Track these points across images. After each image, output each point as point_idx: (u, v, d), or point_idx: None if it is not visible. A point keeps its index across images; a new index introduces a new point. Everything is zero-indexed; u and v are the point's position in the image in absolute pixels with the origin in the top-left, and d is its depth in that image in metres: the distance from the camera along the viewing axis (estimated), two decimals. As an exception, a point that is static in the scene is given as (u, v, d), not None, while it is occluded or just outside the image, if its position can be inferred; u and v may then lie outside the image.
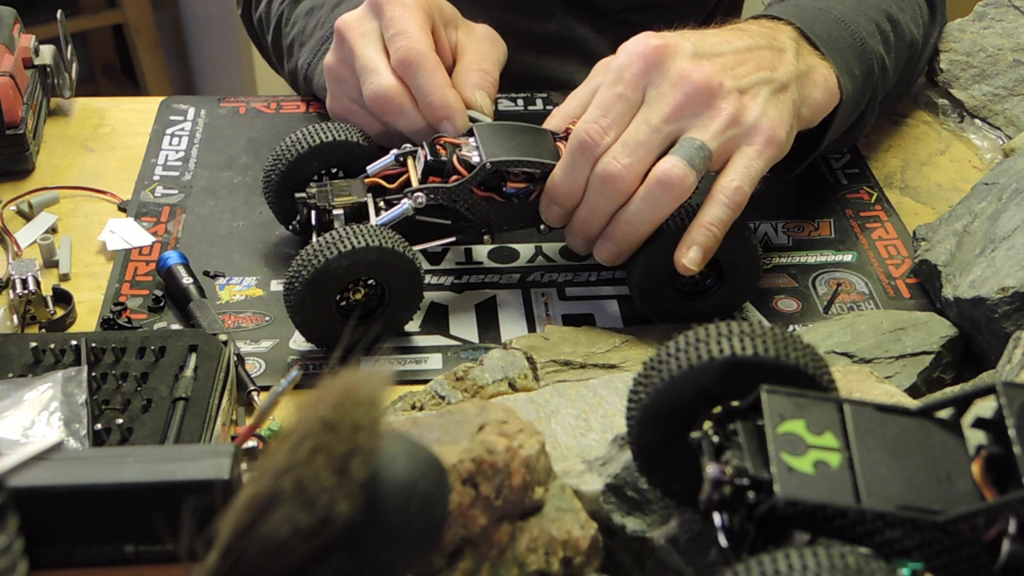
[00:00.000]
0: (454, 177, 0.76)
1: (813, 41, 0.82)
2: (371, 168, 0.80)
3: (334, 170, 0.82)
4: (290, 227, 0.82)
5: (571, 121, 0.78)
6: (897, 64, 0.91)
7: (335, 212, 0.77)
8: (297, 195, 0.79)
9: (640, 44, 0.75)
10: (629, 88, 0.74)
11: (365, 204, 0.77)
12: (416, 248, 0.75)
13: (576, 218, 0.75)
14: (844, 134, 0.90)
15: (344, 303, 0.73)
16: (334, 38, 0.87)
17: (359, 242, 0.71)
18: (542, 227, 0.78)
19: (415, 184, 0.77)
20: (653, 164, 0.73)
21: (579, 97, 0.80)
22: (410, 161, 0.79)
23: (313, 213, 0.78)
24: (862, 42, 0.85)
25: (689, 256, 0.72)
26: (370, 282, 0.73)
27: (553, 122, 0.81)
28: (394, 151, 0.80)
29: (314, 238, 0.74)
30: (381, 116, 0.84)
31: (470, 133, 0.78)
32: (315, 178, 0.81)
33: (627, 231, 0.74)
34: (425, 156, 0.77)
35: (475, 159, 0.76)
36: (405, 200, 0.75)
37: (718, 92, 0.73)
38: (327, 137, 0.81)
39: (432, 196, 0.75)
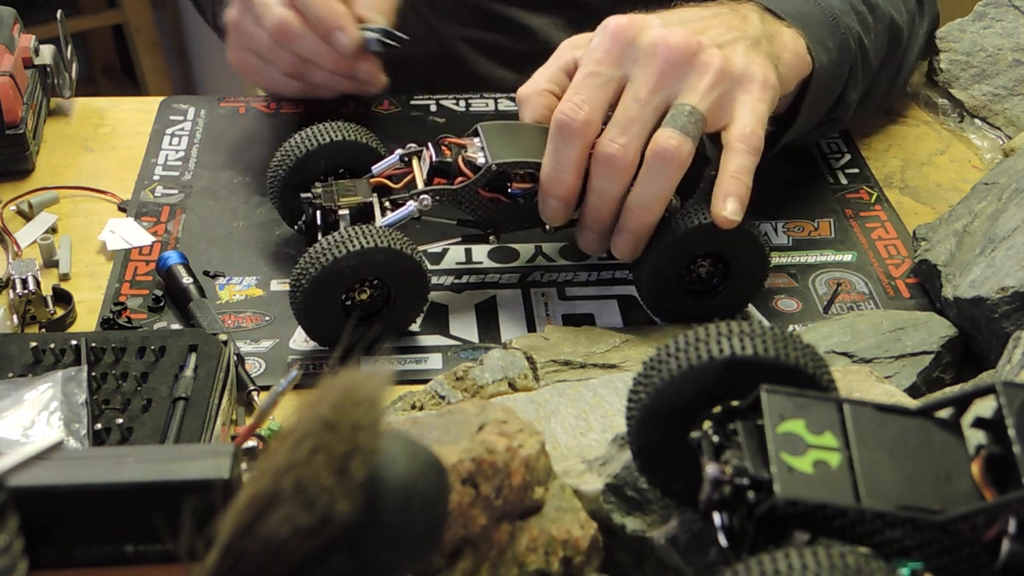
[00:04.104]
0: (459, 179, 0.76)
1: (778, 15, 0.82)
2: (376, 168, 0.80)
3: (340, 170, 0.82)
4: (295, 227, 0.82)
5: (541, 94, 0.78)
6: (878, 46, 0.91)
7: (340, 212, 0.77)
8: (303, 195, 0.79)
9: (608, 24, 0.75)
10: (601, 65, 0.74)
11: (370, 204, 0.77)
12: (420, 248, 0.75)
13: (586, 209, 0.75)
14: (828, 116, 0.89)
15: (349, 303, 0.73)
16: None
17: (368, 242, 0.71)
18: (547, 227, 0.78)
19: (420, 184, 0.77)
20: (651, 137, 0.72)
21: (544, 73, 0.80)
22: (415, 161, 0.79)
23: (318, 213, 0.78)
24: (834, 17, 0.85)
25: (728, 208, 0.71)
26: (376, 283, 0.73)
27: (524, 96, 0.80)
28: (399, 151, 0.80)
29: (319, 238, 0.74)
30: (285, 46, 0.89)
31: (475, 133, 0.78)
32: (321, 178, 0.81)
33: (640, 214, 0.73)
34: (430, 157, 0.77)
35: (480, 160, 0.76)
36: (411, 202, 0.75)
37: (698, 50, 0.73)
38: (333, 137, 0.81)
39: (438, 198, 0.75)
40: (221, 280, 0.82)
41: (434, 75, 1.09)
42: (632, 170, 0.73)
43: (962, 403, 0.49)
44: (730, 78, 0.74)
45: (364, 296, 0.73)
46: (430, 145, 0.78)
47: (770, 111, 0.75)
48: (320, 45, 0.88)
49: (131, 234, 0.85)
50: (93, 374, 0.66)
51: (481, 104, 1.03)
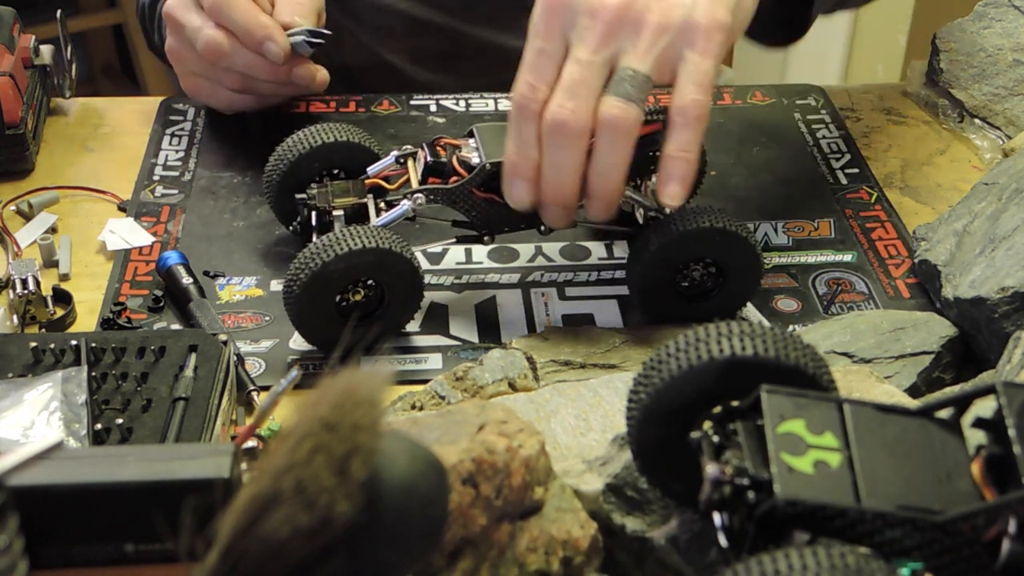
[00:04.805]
0: (454, 178, 0.76)
1: None
2: (371, 169, 0.80)
3: (335, 171, 0.82)
4: (291, 228, 0.82)
5: None
6: None
7: (335, 213, 0.77)
8: (297, 196, 0.79)
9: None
10: (544, 41, 0.72)
11: (365, 205, 0.77)
12: (419, 249, 0.75)
13: (544, 184, 0.72)
14: None
15: (344, 304, 0.73)
16: (167, 25, 0.92)
17: (356, 244, 0.70)
18: (543, 228, 0.77)
19: (415, 184, 0.77)
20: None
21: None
22: (410, 162, 0.79)
23: (313, 214, 0.78)
24: None
25: (669, 192, 0.70)
26: (369, 283, 0.73)
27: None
28: (394, 152, 0.80)
29: (314, 239, 0.74)
30: (219, 64, 0.90)
31: (470, 134, 0.78)
32: (316, 179, 0.81)
33: (605, 183, 0.72)
34: (425, 157, 0.77)
35: (475, 160, 0.76)
36: (405, 201, 0.75)
37: (632, 5, 0.71)
38: (328, 138, 0.81)
39: (432, 197, 0.75)
40: (221, 280, 0.82)
41: (375, 85, 1.09)
42: (586, 135, 0.70)
43: (962, 403, 0.49)
44: (672, 30, 0.71)
45: (358, 297, 0.73)
46: (425, 146, 0.78)
47: (721, 56, 0.72)
48: (253, 58, 0.89)
49: (131, 234, 0.85)
50: (93, 374, 0.66)
51: (481, 104, 1.03)
